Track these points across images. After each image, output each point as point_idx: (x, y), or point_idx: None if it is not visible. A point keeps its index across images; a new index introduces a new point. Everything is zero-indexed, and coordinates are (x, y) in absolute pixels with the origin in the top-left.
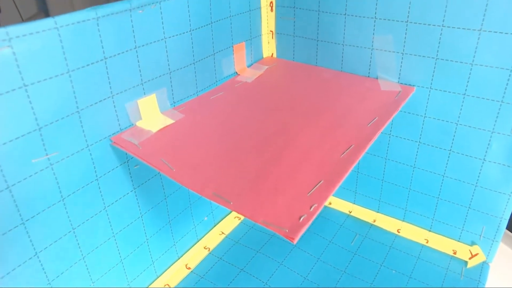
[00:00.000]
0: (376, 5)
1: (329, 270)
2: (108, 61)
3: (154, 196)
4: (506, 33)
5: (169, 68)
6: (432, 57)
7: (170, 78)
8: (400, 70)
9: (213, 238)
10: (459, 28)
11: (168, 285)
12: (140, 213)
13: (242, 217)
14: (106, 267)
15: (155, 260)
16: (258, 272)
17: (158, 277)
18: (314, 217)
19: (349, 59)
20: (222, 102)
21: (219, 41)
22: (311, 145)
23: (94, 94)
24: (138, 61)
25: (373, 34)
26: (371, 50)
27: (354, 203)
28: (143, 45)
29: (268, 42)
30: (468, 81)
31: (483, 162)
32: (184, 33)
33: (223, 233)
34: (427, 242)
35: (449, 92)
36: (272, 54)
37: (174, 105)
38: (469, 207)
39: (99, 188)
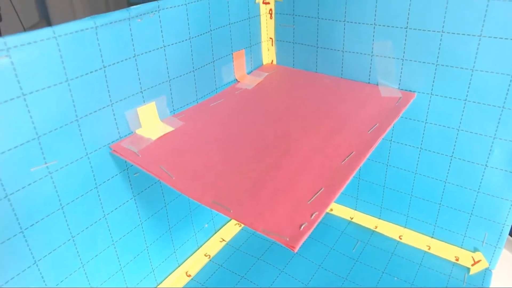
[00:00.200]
0: (376, 11)
1: (330, 277)
2: (107, 69)
3: (154, 204)
4: (506, 39)
5: (168, 76)
6: (433, 63)
7: (170, 85)
8: (401, 76)
9: (214, 245)
10: (459, 34)
11: None
12: (140, 220)
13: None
14: (106, 275)
15: (155, 267)
16: (259, 279)
17: (158, 285)
18: (315, 225)
19: (349, 65)
20: (222, 109)
21: (218, 48)
22: (312, 152)
23: (93, 102)
24: (137, 69)
25: (373, 40)
26: (371, 57)
27: (355, 210)
28: (142, 54)
29: (268, 49)
30: (469, 87)
31: (485, 168)
32: (183, 41)
33: (223, 240)
34: (429, 249)
35: (450, 98)
36: (272, 61)
37: (173, 113)
38: (471, 213)
39: (99, 196)
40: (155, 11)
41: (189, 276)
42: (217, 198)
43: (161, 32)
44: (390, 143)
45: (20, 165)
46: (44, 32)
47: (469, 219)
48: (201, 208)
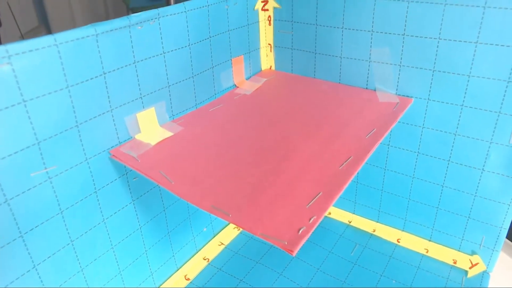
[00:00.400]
0: (373, 18)
1: (329, 281)
2: (107, 76)
3: (153, 208)
4: (502, 45)
5: (168, 82)
6: (430, 69)
7: (169, 91)
8: (398, 81)
9: (212, 249)
10: (455, 40)
11: None
12: (139, 224)
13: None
14: (105, 279)
15: (154, 271)
16: (257, 282)
17: None
18: (313, 229)
19: (347, 71)
20: (221, 115)
21: (217, 54)
22: (310, 157)
23: (93, 108)
24: (137, 76)
25: (371, 46)
26: (368, 63)
27: (353, 213)
28: (142, 60)
29: (267, 55)
30: (465, 93)
31: (482, 172)
32: (183, 47)
33: (222, 243)
34: (427, 252)
35: (447, 103)
36: (271, 66)
37: (173, 118)
38: (468, 217)
39: (98, 201)
40: (155, 18)
41: (188, 279)
42: (216, 202)
43: (161, 39)
44: (388, 148)
45: (20, 170)
46: (45, 40)
47: (467, 222)
48: (199, 212)
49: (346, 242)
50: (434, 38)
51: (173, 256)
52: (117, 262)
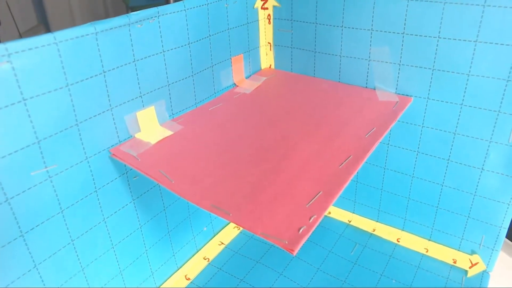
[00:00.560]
0: (373, 17)
1: (329, 280)
2: (107, 74)
3: (153, 207)
4: (501, 44)
5: (167, 81)
6: (429, 68)
7: (169, 90)
8: (398, 80)
9: (213, 249)
10: (455, 39)
11: None
12: (139, 224)
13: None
14: (105, 279)
15: (154, 271)
16: (257, 282)
17: None
18: (314, 228)
19: (347, 70)
20: (221, 113)
21: (217, 53)
22: (310, 156)
23: (93, 107)
24: (137, 74)
25: (370, 45)
26: (368, 61)
27: (353, 213)
28: (141, 59)
29: (266, 54)
30: (465, 91)
31: (481, 172)
32: (182, 46)
33: (222, 243)
34: (427, 251)
35: (447, 102)
36: (270, 65)
37: (172, 117)
38: (468, 216)
39: (98, 200)
40: (155, 16)
41: (188, 279)
42: (216, 202)
43: (161, 37)
44: (388, 147)
45: (20, 169)
46: (45, 38)
47: (466, 221)
48: (200, 211)
49: (346, 241)
50: (434, 37)
51: (174, 255)
52: (117, 261)
